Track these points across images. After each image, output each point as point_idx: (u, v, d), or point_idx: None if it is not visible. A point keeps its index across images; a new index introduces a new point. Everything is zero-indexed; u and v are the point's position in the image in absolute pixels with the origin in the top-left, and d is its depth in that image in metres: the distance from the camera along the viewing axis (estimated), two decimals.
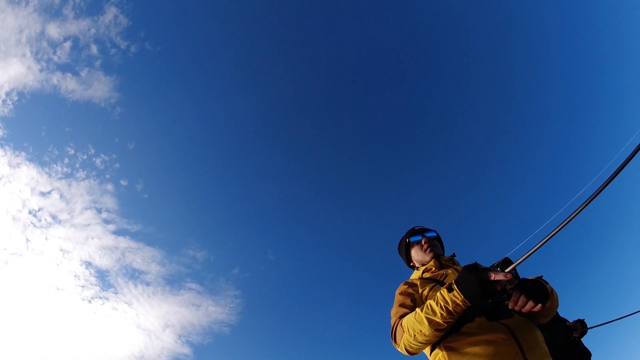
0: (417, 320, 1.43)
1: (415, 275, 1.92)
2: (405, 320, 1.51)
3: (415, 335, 1.43)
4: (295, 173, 19.24)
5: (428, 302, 1.43)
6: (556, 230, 1.21)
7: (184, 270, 17.27)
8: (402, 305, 1.65)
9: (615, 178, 1.16)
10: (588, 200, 1.18)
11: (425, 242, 1.95)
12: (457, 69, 17.86)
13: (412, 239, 2.02)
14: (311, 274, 19.02)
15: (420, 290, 1.69)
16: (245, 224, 19.39)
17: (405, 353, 1.55)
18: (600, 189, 1.16)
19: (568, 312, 3.35)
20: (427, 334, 1.40)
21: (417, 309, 1.47)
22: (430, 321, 1.38)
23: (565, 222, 1.20)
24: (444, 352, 1.45)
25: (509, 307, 1.31)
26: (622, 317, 3.12)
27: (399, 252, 2.17)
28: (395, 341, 1.57)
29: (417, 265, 2.02)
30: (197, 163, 18.74)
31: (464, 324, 1.44)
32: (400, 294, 1.74)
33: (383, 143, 18.98)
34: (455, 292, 1.32)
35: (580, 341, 3.16)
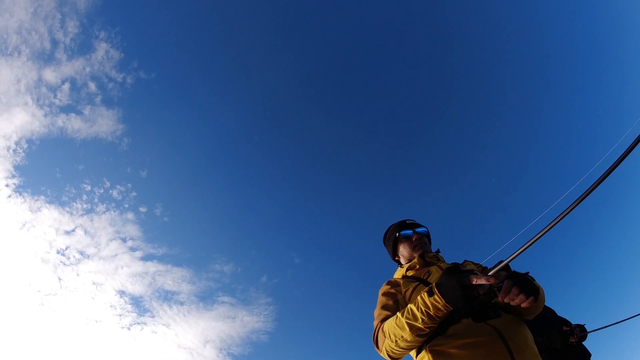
0: (398, 326, 1.36)
1: (399, 273, 1.86)
2: (386, 324, 1.44)
3: (396, 341, 1.36)
4: (306, 173, 19.40)
5: (409, 306, 1.36)
6: (546, 229, 1.14)
7: (214, 285, 17.55)
8: (384, 307, 1.58)
9: (613, 172, 1.08)
10: (581, 197, 1.10)
11: (415, 239, 1.88)
12: (453, 62, 17.91)
13: (403, 233, 1.94)
14: (339, 270, 19.26)
15: (403, 290, 1.62)
16: (266, 231, 19.60)
17: (388, 359, 1.46)
18: (596, 183, 1.09)
19: (568, 315, 3.28)
20: (408, 339, 1.33)
21: (398, 313, 1.40)
22: (411, 326, 1.31)
23: (556, 221, 1.12)
24: (430, 356, 1.38)
25: (499, 298, 1.23)
26: (622, 320, 3.04)
27: (385, 244, 2.09)
28: (377, 346, 1.48)
29: (402, 260, 1.96)
30: (209, 179, 19.12)
31: (450, 326, 1.38)
32: (382, 294, 1.67)
33: (379, 140, 19.17)
34: (436, 296, 1.25)
35: (581, 344, 3.09)
